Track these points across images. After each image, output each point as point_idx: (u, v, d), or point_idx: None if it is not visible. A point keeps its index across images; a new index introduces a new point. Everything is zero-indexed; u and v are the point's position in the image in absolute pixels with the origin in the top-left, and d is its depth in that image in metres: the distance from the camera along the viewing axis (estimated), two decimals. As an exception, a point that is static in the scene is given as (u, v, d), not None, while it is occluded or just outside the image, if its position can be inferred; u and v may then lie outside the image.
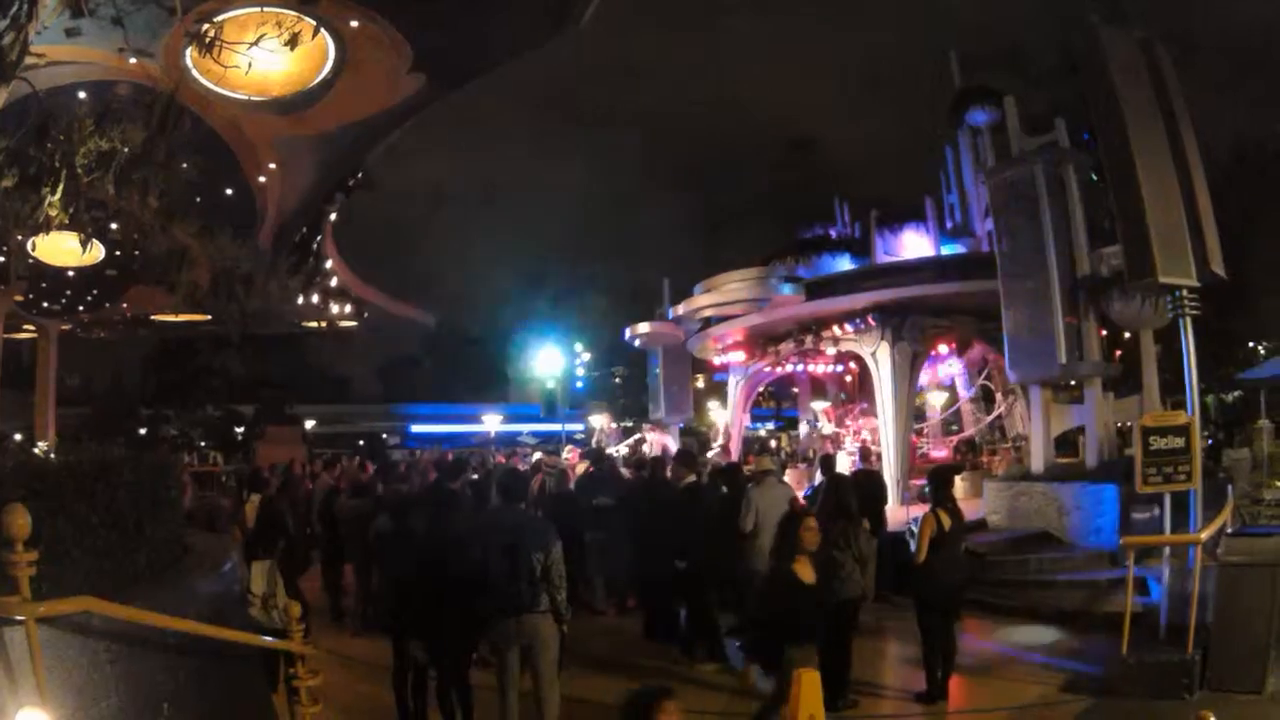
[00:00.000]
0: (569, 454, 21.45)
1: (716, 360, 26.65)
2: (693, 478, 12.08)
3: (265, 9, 12.96)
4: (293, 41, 8.49)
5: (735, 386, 25.25)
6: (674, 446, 22.74)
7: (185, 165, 7.57)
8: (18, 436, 30.76)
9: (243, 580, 7.99)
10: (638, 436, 28.45)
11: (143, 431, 52.20)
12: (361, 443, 55.06)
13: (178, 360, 63.43)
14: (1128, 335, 16.69)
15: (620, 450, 24.42)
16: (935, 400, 24.61)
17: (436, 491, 11.18)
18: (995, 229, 17.28)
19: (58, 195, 6.45)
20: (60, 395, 35.29)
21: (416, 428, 66.73)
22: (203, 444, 49.15)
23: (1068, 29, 15.51)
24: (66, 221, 6.70)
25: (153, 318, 36.02)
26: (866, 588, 9.74)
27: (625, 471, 16.23)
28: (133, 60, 14.59)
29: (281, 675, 7.42)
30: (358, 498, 13.56)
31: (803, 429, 25.25)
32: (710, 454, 23.76)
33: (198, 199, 8.20)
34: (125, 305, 31.86)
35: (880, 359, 19.56)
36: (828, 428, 23.44)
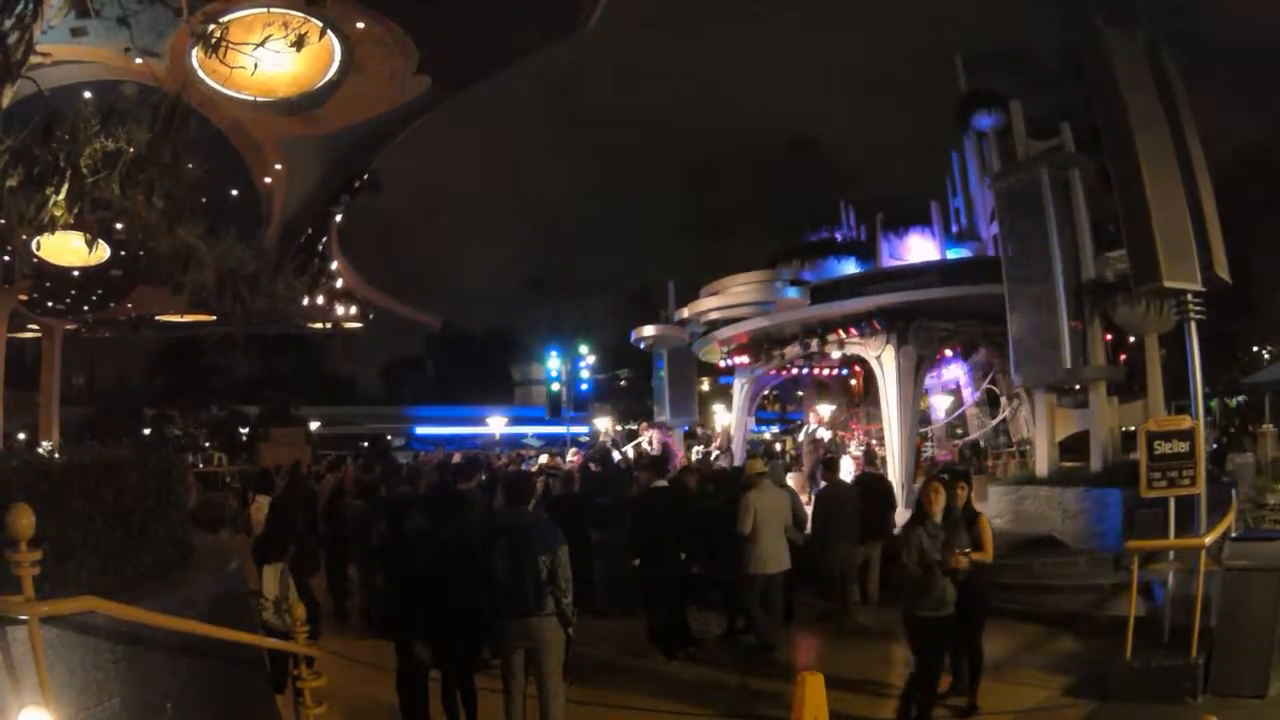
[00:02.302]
0: (573, 456, 21.45)
1: (721, 363, 26.63)
2: (662, 483, 12.08)
3: (272, 10, 12.95)
4: (299, 43, 8.47)
5: (740, 389, 25.22)
6: (675, 446, 22.73)
7: (191, 166, 7.56)
8: (22, 436, 30.83)
9: (251, 583, 8.02)
10: (638, 440, 28.41)
11: (147, 431, 52.24)
12: (365, 444, 55.09)
13: (182, 360, 63.47)
14: (1132, 339, 16.67)
15: (628, 452, 24.32)
16: (940, 404, 24.57)
17: (441, 493, 11.20)
18: (1001, 233, 17.27)
19: (62, 195, 6.45)
20: (64, 395, 35.38)
21: (421, 429, 66.75)
22: (207, 444, 49.20)
23: (1072, 31, 15.49)
24: (71, 221, 6.70)
25: (157, 318, 36.05)
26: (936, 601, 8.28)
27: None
28: (138, 60, 14.63)
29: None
30: (362, 499, 13.59)
31: (802, 434, 25.11)
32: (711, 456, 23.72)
33: (203, 199, 8.16)
34: (130, 305, 31.88)
35: (885, 363, 19.53)
36: (822, 433, 23.29)
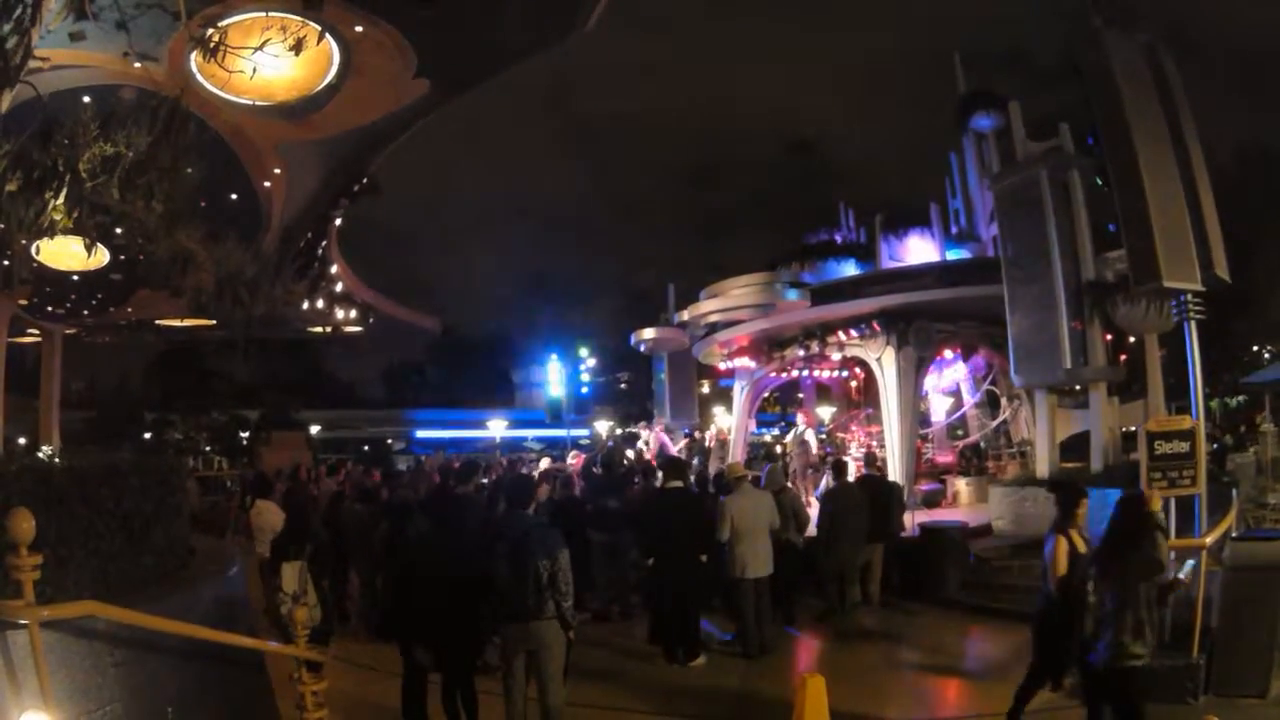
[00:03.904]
0: (573, 459, 21.41)
1: (722, 366, 26.62)
2: (678, 483, 12.02)
3: (270, 14, 12.97)
4: (297, 47, 8.46)
5: (741, 392, 25.23)
6: (670, 445, 22.70)
7: (190, 170, 7.55)
8: (22, 440, 30.84)
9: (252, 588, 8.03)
10: (642, 437, 28.28)
11: (147, 436, 52.24)
12: (366, 448, 55.08)
13: (183, 365, 63.51)
14: (1132, 339, 16.68)
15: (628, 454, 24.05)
16: (940, 405, 24.55)
17: (442, 497, 11.20)
18: (1000, 234, 17.29)
19: (61, 199, 6.45)
20: (64, 399, 35.38)
21: (421, 433, 66.73)
22: (208, 449, 49.18)
23: (1071, 32, 15.50)
24: (70, 226, 6.70)
25: (157, 322, 36.02)
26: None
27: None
28: (137, 65, 14.55)
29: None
30: (363, 503, 13.60)
31: (790, 436, 24.83)
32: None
33: (202, 204, 8.17)
34: (130, 310, 31.89)
35: (885, 364, 19.53)
36: (810, 434, 23.04)
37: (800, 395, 30.33)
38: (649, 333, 26.68)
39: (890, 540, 13.93)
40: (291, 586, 7.95)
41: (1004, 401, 22.32)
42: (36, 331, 32.03)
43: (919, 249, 21.07)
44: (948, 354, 20.71)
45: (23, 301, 26.23)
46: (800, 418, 25.23)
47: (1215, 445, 19.21)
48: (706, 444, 23.57)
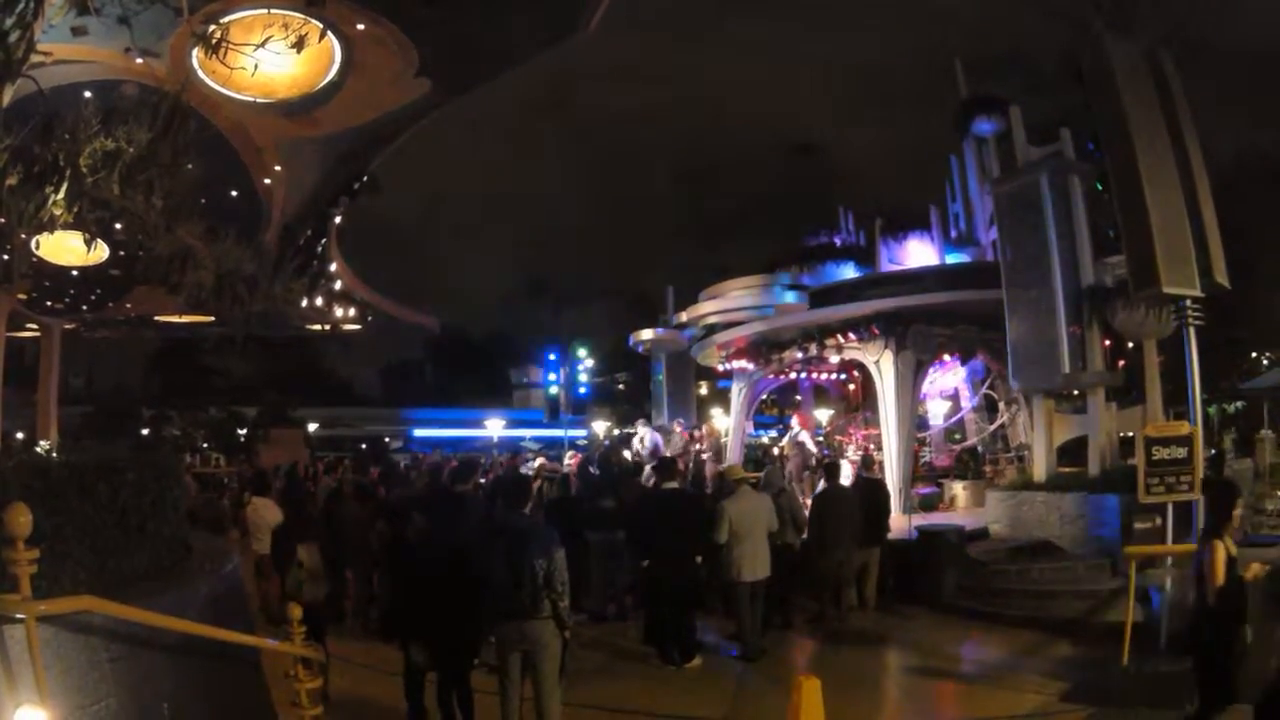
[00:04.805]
0: (570, 459, 21.38)
1: (720, 367, 26.59)
2: (674, 484, 12.03)
3: (272, 11, 12.95)
4: (299, 44, 8.47)
5: (738, 394, 25.19)
6: (663, 445, 22.65)
7: (190, 166, 7.56)
8: (20, 435, 30.79)
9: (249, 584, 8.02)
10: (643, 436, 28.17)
11: (145, 432, 52.16)
12: (364, 446, 55.01)
13: (181, 361, 63.46)
14: (1131, 345, 16.67)
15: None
16: (938, 409, 24.51)
17: (439, 496, 11.20)
18: (999, 238, 17.26)
19: (62, 194, 6.45)
20: (63, 394, 35.29)
21: (419, 431, 66.62)
22: (205, 445, 49.13)
23: (1073, 36, 15.50)
24: (70, 221, 6.70)
25: (156, 318, 35.94)
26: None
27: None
28: (139, 60, 14.61)
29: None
30: (360, 501, 13.58)
31: (786, 438, 24.65)
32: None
33: (202, 200, 8.17)
34: (129, 305, 31.81)
35: (884, 367, 19.51)
36: (804, 436, 22.87)
37: (798, 398, 30.30)
38: (647, 334, 26.67)
39: (883, 543, 13.95)
40: (309, 563, 8.00)
41: (1002, 406, 22.30)
42: (35, 326, 31.97)
43: (918, 252, 21.06)
44: (946, 358, 20.70)
45: (22, 296, 26.18)
46: (796, 420, 25.16)
47: (1213, 451, 19.21)
48: (699, 445, 23.45)
